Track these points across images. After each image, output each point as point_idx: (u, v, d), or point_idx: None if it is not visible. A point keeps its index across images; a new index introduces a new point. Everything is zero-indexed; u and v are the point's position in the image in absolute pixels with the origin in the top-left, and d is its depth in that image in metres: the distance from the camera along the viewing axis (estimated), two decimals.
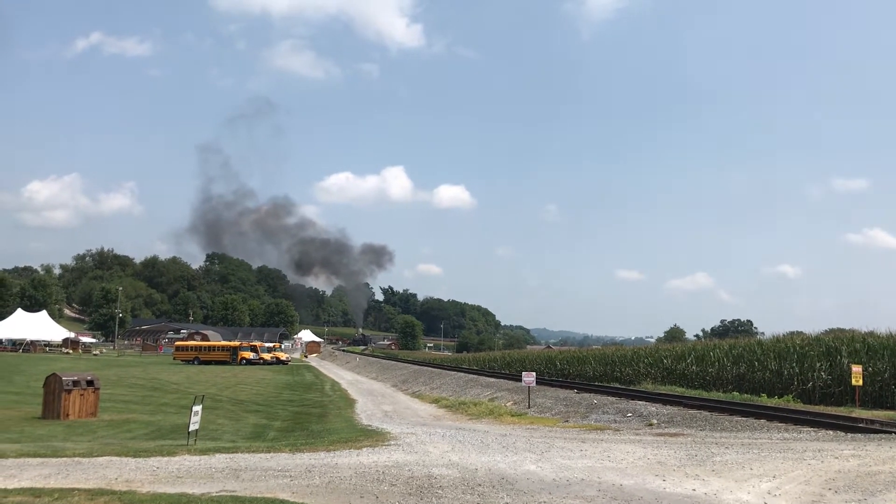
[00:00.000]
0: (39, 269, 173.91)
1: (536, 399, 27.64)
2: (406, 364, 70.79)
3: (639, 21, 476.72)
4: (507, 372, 49.97)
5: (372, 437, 17.32)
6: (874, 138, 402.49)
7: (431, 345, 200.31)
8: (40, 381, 24.21)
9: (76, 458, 12.67)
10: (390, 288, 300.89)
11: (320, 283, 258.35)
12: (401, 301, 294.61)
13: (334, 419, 25.72)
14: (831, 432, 16.39)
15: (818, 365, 27.50)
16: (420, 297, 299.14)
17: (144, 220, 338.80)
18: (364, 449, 14.53)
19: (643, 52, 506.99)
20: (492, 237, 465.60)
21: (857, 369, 23.38)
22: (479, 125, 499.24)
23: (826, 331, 37.23)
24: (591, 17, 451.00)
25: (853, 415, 19.31)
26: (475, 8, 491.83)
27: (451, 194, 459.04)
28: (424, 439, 16.57)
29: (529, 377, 27.14)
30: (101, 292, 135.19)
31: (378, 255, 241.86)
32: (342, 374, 67.91)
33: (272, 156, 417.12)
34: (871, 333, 28.79)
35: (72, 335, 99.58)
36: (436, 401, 34.46)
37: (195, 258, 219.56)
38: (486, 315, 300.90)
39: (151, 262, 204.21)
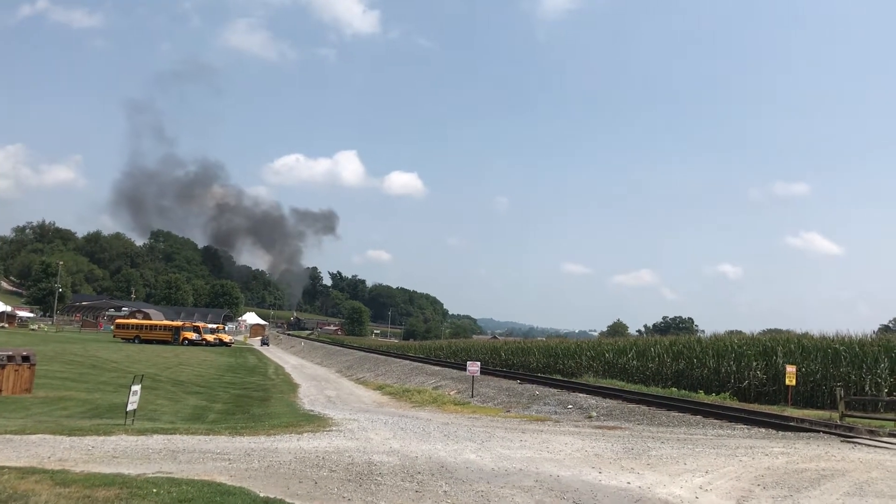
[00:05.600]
0: None
1: (480, 388, 27.85)
2: (352, 350, 70.67)
3: (592, 20, 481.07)
4: (453, 361, 50.21)
5: (314, 422, 17.25)
6: (815, 144, 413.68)
7: (378, 331, 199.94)
8: None
9: (7, 436, 12.35)
10: (339, 273, 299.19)
11: (244, 257, 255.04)
12: (349, 286, 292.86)
13: (276, 403, 25.55)
14: (763, 430, 16.88)
15: (754, 364, 28.26)
16: (369, 284, 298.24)
17: (89, 193, 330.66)
18: (305, 434, 14.47)
19: (596, 51, 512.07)
20: (443, 226, 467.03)
21: (791, 369, 24.07)
22: (433, 114, 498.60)
23: (763, 331, 38.29)
24: (546, 15, 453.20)
25: (785, 413, 19.87)
26: None
27: (404, 181, 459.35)
28: (366, 426, 16.57)
29: (474, 367, 27.32)
30: (41, 266, 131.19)
31: (319, 223, 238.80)
32: (286, 358, 67.44)
33: (206, 120, 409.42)
34: (806, 335, 29.69)
35: (8, 309, 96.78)
36: (380, 387, 34.48)
37: (122, 233, 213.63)
38: (435, 304, 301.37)
39: (94, 238, 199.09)
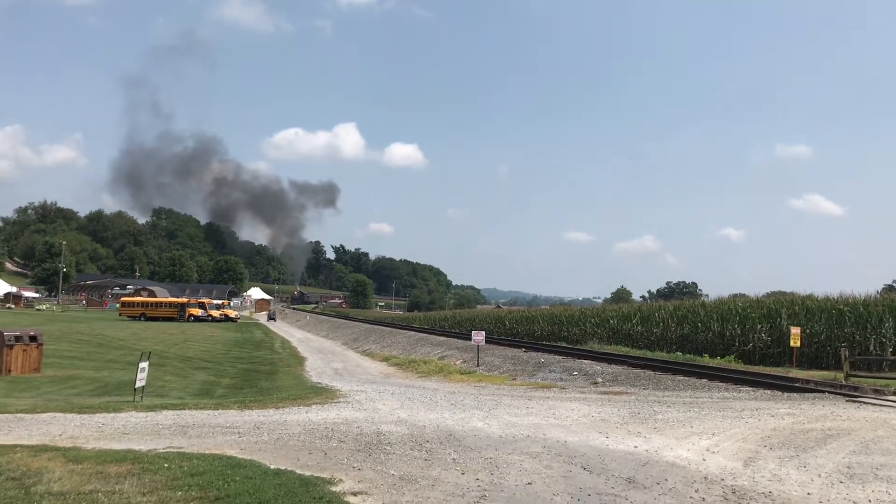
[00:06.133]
0: None
1: (485, 357, 27.95)
2: (357, 322, 70.83)
3: None
4: (457, 331, 50.35)
5: (321, 394, 17.36)
6: (817, 106, 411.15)
7: (383, 304, 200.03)
8: None
9: (19, 415, 12.45)
10: (342, 246, 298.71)
11: (245, 232, 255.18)
12: (352, 260, 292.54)
13: (284, 377, 25.69)
14: (769, 392, 16.95)
15: (759, 326, 28.31)
16: (372, 257, 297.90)
17: (90, 172, 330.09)
18: (313, 406, 14.56)
19: (593, 17, 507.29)
20: (444, 197, 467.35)
21: (795, 331, 24.12)
22: (431, 84, 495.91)
23: (767, 293, 38.29)
24: None
25: (790, 375, 19.96)
26: None
27: (404, 153, 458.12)
28: (374, 396, 16.67)
29: (479, 336, 27.36)
30: (45, 246, 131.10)
31: (320, 195, 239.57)
32: (292, 332, 67.67)
33: (203, 95, 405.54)
34: (810, 297, 29.70)
35: (14, 290, 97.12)
36: (386, 359, 34.64)
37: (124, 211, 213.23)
38: (438, 275, 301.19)
39: (96, 216, 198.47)
